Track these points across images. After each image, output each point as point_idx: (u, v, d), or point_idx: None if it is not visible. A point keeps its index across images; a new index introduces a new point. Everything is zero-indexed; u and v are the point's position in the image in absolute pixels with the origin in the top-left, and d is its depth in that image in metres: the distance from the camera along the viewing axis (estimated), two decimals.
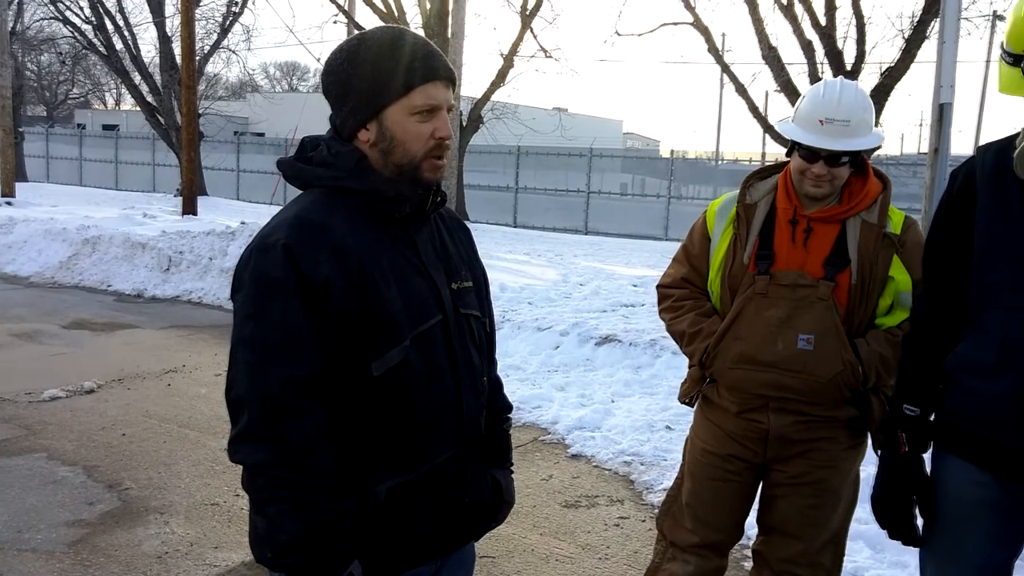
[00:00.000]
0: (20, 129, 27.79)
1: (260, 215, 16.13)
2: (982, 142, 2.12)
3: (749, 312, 2.44)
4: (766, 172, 2.61)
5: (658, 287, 2.75)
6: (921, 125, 46.85)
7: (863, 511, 4.11)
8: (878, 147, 2.54)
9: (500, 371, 2.02)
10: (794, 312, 2.39)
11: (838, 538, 2.61)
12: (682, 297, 2.64)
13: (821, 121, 2.35)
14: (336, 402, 1.54)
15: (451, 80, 1.62)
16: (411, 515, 1.62)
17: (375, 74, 1.58)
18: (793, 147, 2.44)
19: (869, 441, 2.54)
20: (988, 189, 1.98)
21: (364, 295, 1.54)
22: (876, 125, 2.45)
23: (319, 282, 1.50)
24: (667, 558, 2.73)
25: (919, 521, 2.14)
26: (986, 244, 1.97)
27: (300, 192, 1.67)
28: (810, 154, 2.37)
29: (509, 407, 1.99)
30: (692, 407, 2.72)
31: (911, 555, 3.68)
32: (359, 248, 1.55)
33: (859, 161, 2.46)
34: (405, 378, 1.58)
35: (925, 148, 10.36)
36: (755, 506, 2.69)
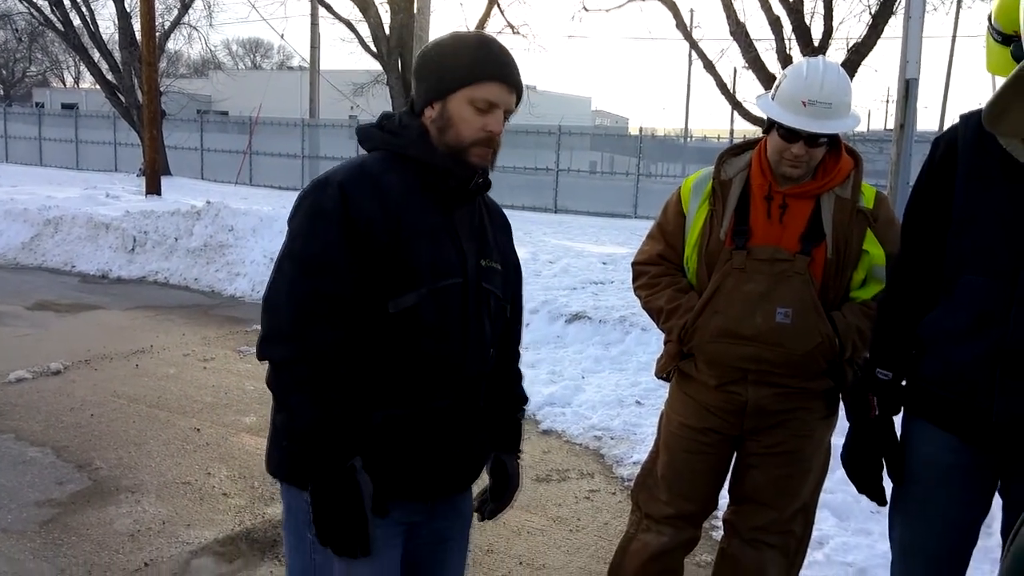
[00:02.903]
0: None
1: (226, 195, 15.97)
2: (948, 118, 2.14)
3: (727, 287, 2.47)
4: (739, 149, 2.63)
5: (633, 264, 2.76)
6: (888, 101, 47.31)
7: (828, 481, 4.22)
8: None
9: None
10: (772, 286, 2.43)
11: (808, 507, 2.66)
12: (658, 274, 2.66)
13: (804, 102, 2.36)
14: (355, 328, 1.73)
15: (515, 87, 1.82)
16: (400, 446, 1.80)
17: (453, 62, 1.80)
18: (771, 126, 2.45)
19: (841, 411, 2.59)
20: (969, 157, 1.99)
21: (396, 241, 1.74)
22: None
23: (363, 220, 1.72)
24: (641, 529, 2.77)
25: (888, 482, 2.19)
26: (964, 211, 1.98)
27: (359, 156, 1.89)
28: (790, 134, 2.39)
29: (525, 399, 2.18)
30: (668, 382, 2.75)
31: (875, 522, 3.79)
32: (403, 203, 1.77)
33: (833, 139, 2.49)
34: (416, 323, 1.77)
35: (891, 125, 10.49)
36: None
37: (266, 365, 1.75)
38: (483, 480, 2.12)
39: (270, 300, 1.73)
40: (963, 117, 2.05)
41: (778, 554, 2.63)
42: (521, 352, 2.22)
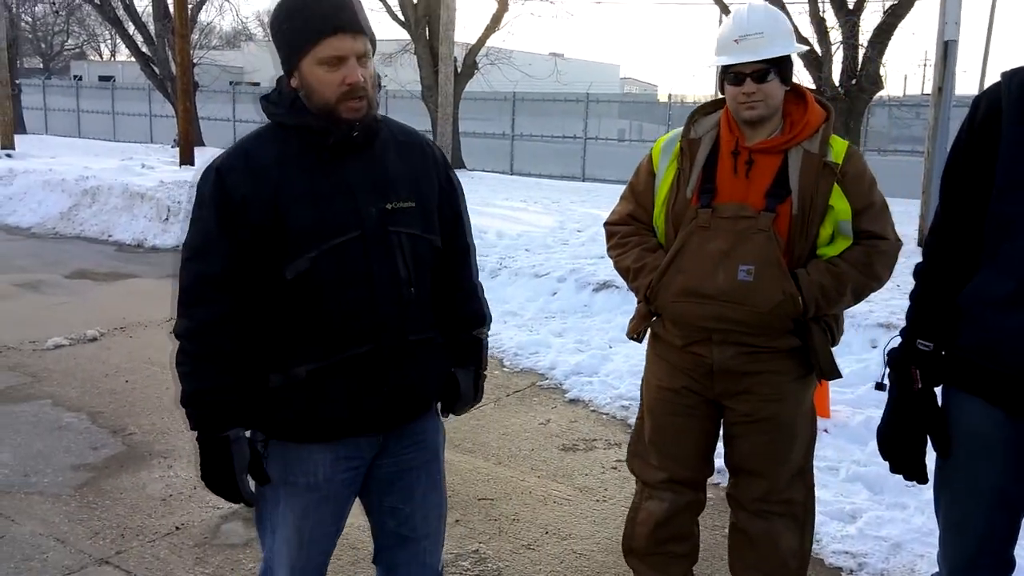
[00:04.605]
0: (17, 81, 27.47)
1: None
2: (988, 82, 2.04)
3: (692, 245, 2.46)
4: (710, 107, 2.63)
5: (605, 225, 2.77)
6: (925, 65, 46.24)
7: (862, 454, 4.19)
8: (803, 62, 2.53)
9: (497, 317, 2.11)
10: (735, 244, 2.41)
11: (804, 472, 2.65)
12: (628, 234, 2.66)
13: (736, 40, 2.39)
14: (247, 298, 1.87)
15: (355, 30, 1.82)
16: (328, 394, 1.92)
17: (287, 32, 1.85)
18: (722, 83, 2.47)
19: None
20: (1014, 117, 1.89)
21: (276, 214, 1.84)
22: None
23: (237, 200, 1.83)
24: (644, 498, 2.79)
25: (930, 457, 2.12)
26: (1009, 173, 1.89)
27: None
28: (736, 77, 2.40)
29: (480, 317, 2.22)
30: (640, 343, 2.76)
31: (910, 496, 3.74)
32: (280, 174, 1.86)
33: (799, 91, 2.50)
34: (314, 283, 1.87)
35: (929, 89, 10.25)
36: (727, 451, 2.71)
37: None
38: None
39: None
40: (1006, 74, 1.95)
41: (788, 520, 2.63)
42: (475, 266, 2.25)
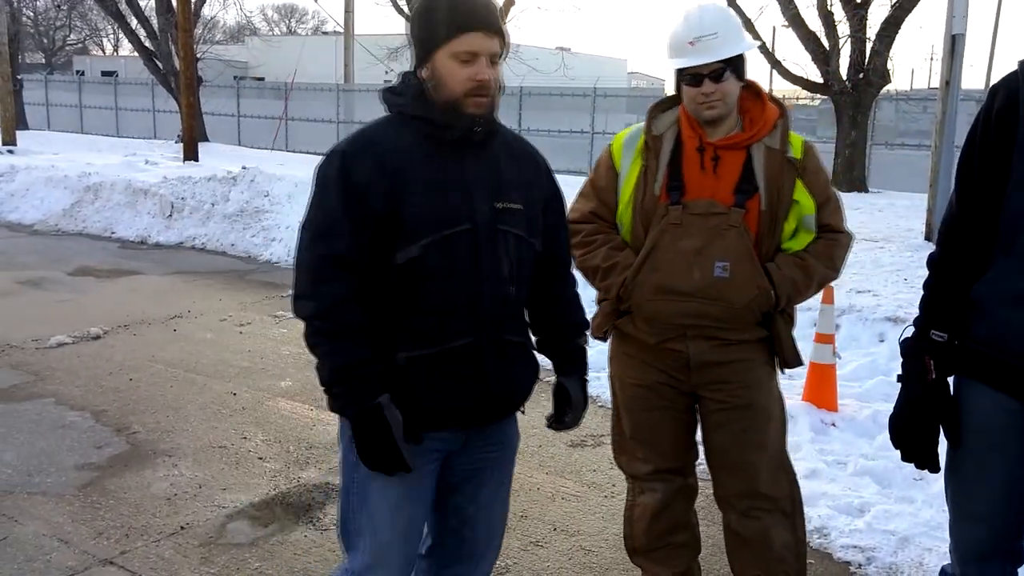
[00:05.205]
0: (19, 76, 27.49)
1: (262, 160, 16.02)
2: (995, 76, 2.00)
3: (664, 243, 2.47)
4: (666, 104, 2.63)
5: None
6: (932, 59, 46.13)
7: (870, 448, 4.16)
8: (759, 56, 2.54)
9: None
10: (709, 241, 2.44)
11: (783, 464, 2.66)
12: (592, 232, 2.65)
13: (691, 42, 2.40)
14: (366, 278, 1.92)
15: (492, 31, 1.91)
16: (427, 384, 1.95)
17: (427, 24, 1.93)
18: (679, 84, 2.48)
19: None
20: None
21: (395, 200, 1.89)
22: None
23: (362, 184, 1.89)
24: (636, 493, 2.80)
25: (941, 446, 2.11)
26: None
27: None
28: (694, 78, 2.41)
29: (584, 325, 2.27)
30: (604, 341, 2.75)
31: (918, 489, 3.72)
32: (401, 162, 1.92)
33: (753, 87, 2.52)
34: (423, 270, 1.92)
35: (936, 84, 10.19)
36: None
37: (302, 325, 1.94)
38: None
39: (296, 264, 1.95)
40: (1023, 63, 1.92)
41: (777, 516, 2.63)
42: (575, 276, 2.29)
